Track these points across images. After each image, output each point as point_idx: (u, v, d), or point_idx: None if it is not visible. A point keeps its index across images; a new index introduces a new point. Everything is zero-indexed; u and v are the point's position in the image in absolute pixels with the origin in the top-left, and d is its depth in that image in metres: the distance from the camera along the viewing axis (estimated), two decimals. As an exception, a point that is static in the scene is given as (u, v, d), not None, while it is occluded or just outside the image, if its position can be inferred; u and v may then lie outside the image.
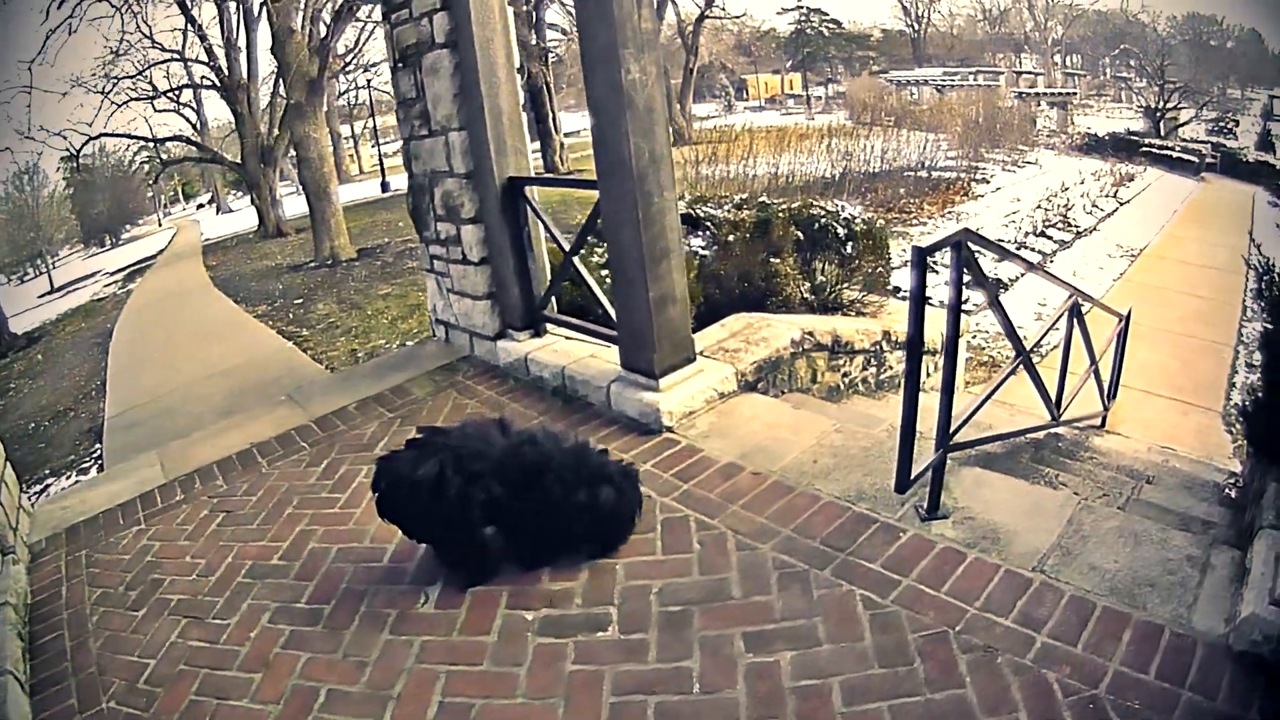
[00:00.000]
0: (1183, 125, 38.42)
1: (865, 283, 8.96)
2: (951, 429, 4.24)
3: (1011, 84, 41.28)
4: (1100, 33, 43.97)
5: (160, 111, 41.66)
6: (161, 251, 49.91)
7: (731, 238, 8.39)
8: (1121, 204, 22.70)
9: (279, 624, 4.46)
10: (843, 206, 9.15)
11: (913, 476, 4.17)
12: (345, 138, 64.06)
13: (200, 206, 75.78)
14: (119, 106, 33.23)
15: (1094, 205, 21.29)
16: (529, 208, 6.72)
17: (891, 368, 7.97)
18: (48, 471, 11.74)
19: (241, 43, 31.66)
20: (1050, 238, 18.06)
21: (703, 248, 8.41)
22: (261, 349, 14.11)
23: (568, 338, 7.01)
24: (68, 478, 11.08)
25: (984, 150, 27.38)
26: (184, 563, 5.40)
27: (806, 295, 8.38)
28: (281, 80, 24.19)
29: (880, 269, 9.16)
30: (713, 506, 4.67)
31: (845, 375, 7.47)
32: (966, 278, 4.14)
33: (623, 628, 3.90)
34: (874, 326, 7.92)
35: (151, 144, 37.26)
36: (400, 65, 7.25)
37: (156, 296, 27.97)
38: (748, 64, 62.09)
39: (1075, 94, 41.11)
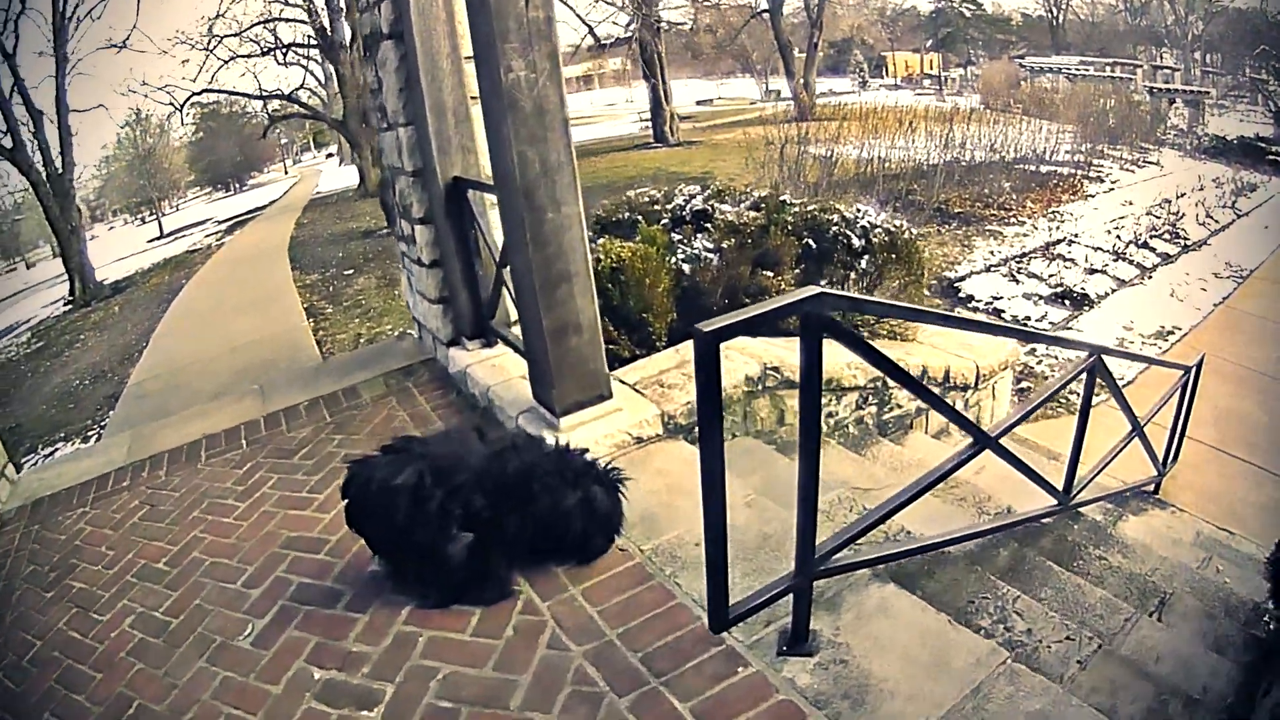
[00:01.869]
0: None
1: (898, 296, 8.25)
2: (834, 542, 3.40)
3: (1148, 78, 39.19)
4: (1238, 31, 41.49)
5: (270, 68, 42.64)
6: (274, 202, 51.51)
7: (726, 244, 7.79)
8: (1239, 216, 21.13)
9: (135, 630, 4.65)
10: (864, 212, 8.35)
11: (733, 615, 3.30)
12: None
13: (330, 156, 77.40)
14: (224, 63, 33.91)
15: (1208, 215, 19.82)
16: (473, 211, 6.32)
17: (899, 406, 7.01)
18: (62, 435, 12.02)
19: (341, 2, 31.79)
20: (1153, 249, 16.72)
21: (709, 250, 7.82)
22: (280, 326, 14.23)
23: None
24: (71, 445, 11.24)
25: (1105, 146, 25.76)
26: (96, 552, 5.66)
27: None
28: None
29: (910, 284, 8.37)
30: (554, 586, 4.15)
31: (830, 416, 6.52)
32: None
33: (386, 713, 3.60)
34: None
35: (256, 99, 38.00)
36: (365, 55, 6.99)
37: (235, 255, 28.69)
38: (888, 40, 60.88)
39: (1210, 93, 38.61)
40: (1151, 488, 7.75)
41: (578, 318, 5.03)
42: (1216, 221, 19.88)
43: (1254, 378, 11.79)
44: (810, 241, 8.02)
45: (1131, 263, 15.71)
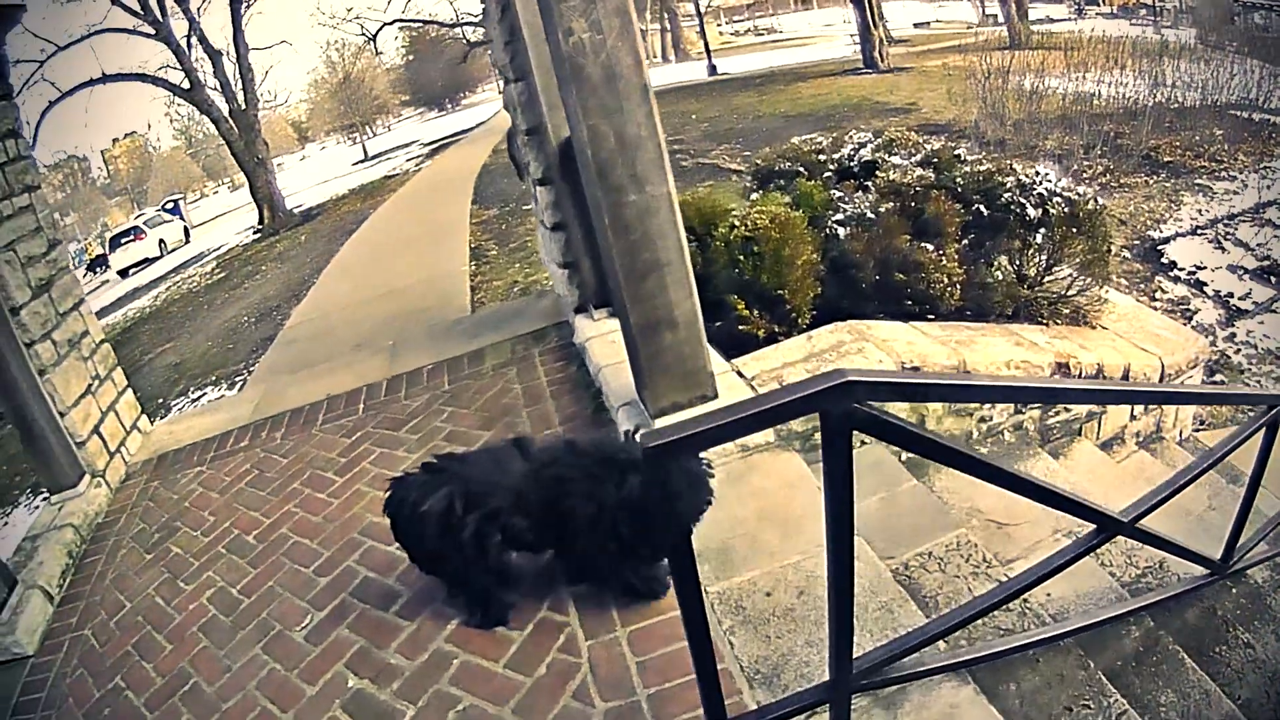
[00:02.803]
0: None
1: (1079, 274, 7.33)
2: (885, 653, 2.79)
3: None
4: None
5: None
6: (481, 124, 52.20)
7: (885, 207, 6.88)
8: None
9: (211, 605, 4.78)
10: (1044, 177, 7.26)
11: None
12: (688, 15, 63.67)
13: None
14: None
15: None
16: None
17: (1066, 410, 6.03)
18: (213, 379, 12.25)
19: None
20: None
21: (869, 213, 6.91)
22: (439, 269, 13.90)
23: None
24: (218, 390, 11.44)
25: None
26: (198, 517, 5.80)
27: (972, 295, 6.85)
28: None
29: (1094, 261, 7.28)
30: (603, 622, 3.75)
31: (983, 421, 5.69)
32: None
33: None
34: (1041, 357, 5.91)
35: (450, 27, 38.43)
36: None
37: (425, 184, 29.00)
38: None
39: None
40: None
41: (671, 312, 4.50)
42: None
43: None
44: (981, 208, 7.03)
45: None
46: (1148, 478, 5.61)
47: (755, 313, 6.14)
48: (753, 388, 5.12)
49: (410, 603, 4.21)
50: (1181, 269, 11.55)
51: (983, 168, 7.38)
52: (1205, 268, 11.55)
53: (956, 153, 7.76)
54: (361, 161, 51.04)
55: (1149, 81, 19.09)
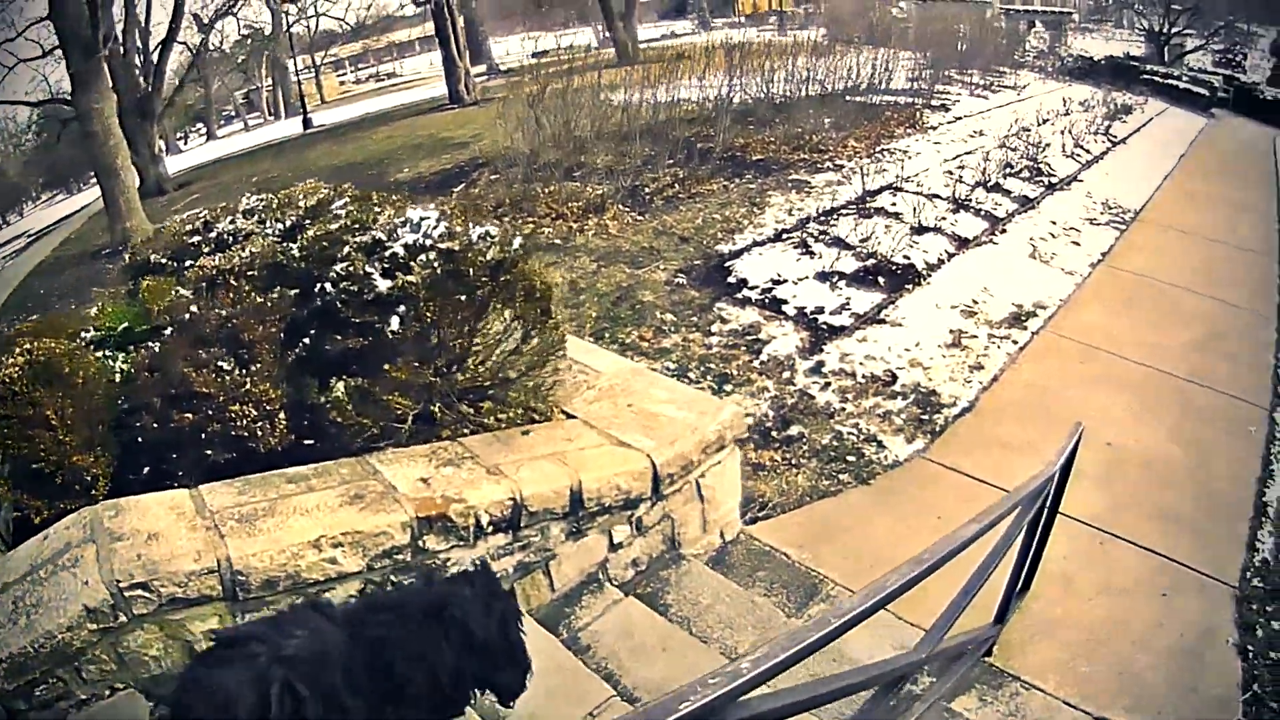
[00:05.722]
0: (1189, 53, 34.71)
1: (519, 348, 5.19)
2: None
3: (1007, 3, 38.07)
4: None
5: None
6: None
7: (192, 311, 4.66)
8: (1114, 143, 18.13)
9: None
10: (416, 223, 5.04)
11: None
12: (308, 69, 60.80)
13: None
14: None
15: (1077, 145, 16.72)
16: None
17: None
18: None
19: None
20: (1009, 192, 13.37)
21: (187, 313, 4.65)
22: None
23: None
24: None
25: (953, 72, 23.18)
26: None
27: (315, 422, 4.69)
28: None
29: (533, 325, 5.28)
30: None
31: None
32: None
33: None
34: (390, 516, 4.07)
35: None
36: None
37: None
38: None
39: (1072, 14, 37.55)
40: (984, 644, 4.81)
41: None
42: (1088, 152, 17.01)
43: (1159, 381, 8.59)
44: (328, 286, 4.81)
45: (979, 213, 12.31)
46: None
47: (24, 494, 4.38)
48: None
49: None
50: (754, 287, 9.38)
51: (333, 227, 5.16)
52: (785, 280, 9.43)
53: (337, 207, 5.49)
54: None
55: (755, 79, 18.22)
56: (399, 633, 3.16)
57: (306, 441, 4.68)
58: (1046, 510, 4.69)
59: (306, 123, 38.72)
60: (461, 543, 4.24)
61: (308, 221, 5.29)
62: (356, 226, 4.98)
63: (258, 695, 2.85)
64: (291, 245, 4.92)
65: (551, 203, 12.08)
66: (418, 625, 3.20)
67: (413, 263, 4.74)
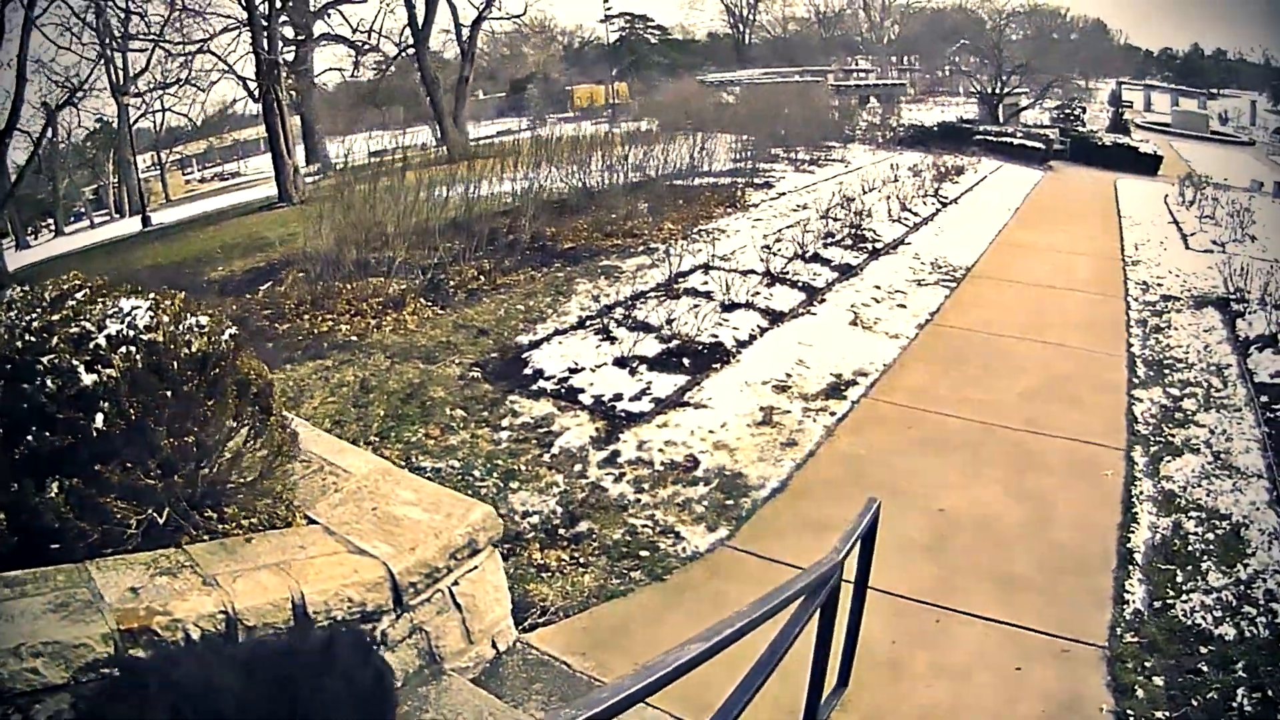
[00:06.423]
0: (1023, 110, 35.98)
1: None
2: None
3: (838, 79, 39.23)
4: (937, 30, 42.98)
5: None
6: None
7: None
8: (944, 204, 18.21)
9: None
10: (122, 311, 4.45)
11: None
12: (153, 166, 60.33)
13: None
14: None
15: (904, 209, 16.60)
16: None
17: None
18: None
19: None
20: (828, 261, 13.01)
21: None
22: None
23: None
24: None
25: (780, 150, 23.45)
26: None
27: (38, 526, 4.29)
28: None
29: (249, 421, 4.77)
30: None
31: None
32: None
33: None
34: (86, 629, 3.72)
35: None
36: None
37: None
38: (578, 74, 60.40)
39: (904, 85, 38.84)
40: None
41: None
42: (916, 215, 16.97)
43: (994, 436, 8.00)
44: (46, 381, 4.27)
45: (795, 285, 11.80)
46: None
47: None
48: None
49: None
50: (550, 377, 8.58)
51: (55, 318, 4.56)
52: (583, 369, 8.68)
53: (76, 300, 4.78)
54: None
55: (575, 169, 18.06)
56: (293, 669, 3.11)
57: (32, 546, 4.29)
58: (854, 593, 4.26)
59: (145, 221, 38.70)
60: (171, 659, 3.90)
61: (50, 316, 4.64)
62: (69, 318, 4.46)
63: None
64: (17, 340, 4.39)
65: (352, 299, 11.49)
66: (309, 665, 3.14)
67: (113, 355, 4.28)
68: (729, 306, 10.50)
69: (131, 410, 4.16)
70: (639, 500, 6.85)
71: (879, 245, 14.36)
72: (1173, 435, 7.94)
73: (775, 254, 12.64)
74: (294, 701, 3.13)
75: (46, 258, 30.83)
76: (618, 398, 8.26)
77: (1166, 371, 9.51)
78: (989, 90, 35.56)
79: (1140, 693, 4.80)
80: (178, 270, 17.19)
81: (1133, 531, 6.36)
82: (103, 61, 26.19)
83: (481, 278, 12.33)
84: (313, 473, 5.35)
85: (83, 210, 41.47)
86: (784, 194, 18.70)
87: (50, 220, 40.19)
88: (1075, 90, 36.54)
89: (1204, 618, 5.41)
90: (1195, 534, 6.33)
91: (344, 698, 3.17)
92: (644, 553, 6.25)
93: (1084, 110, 36.40)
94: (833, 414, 8.24)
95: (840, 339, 10.14)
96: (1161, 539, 6.30)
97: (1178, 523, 6.49)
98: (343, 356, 9.67)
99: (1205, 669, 4.99)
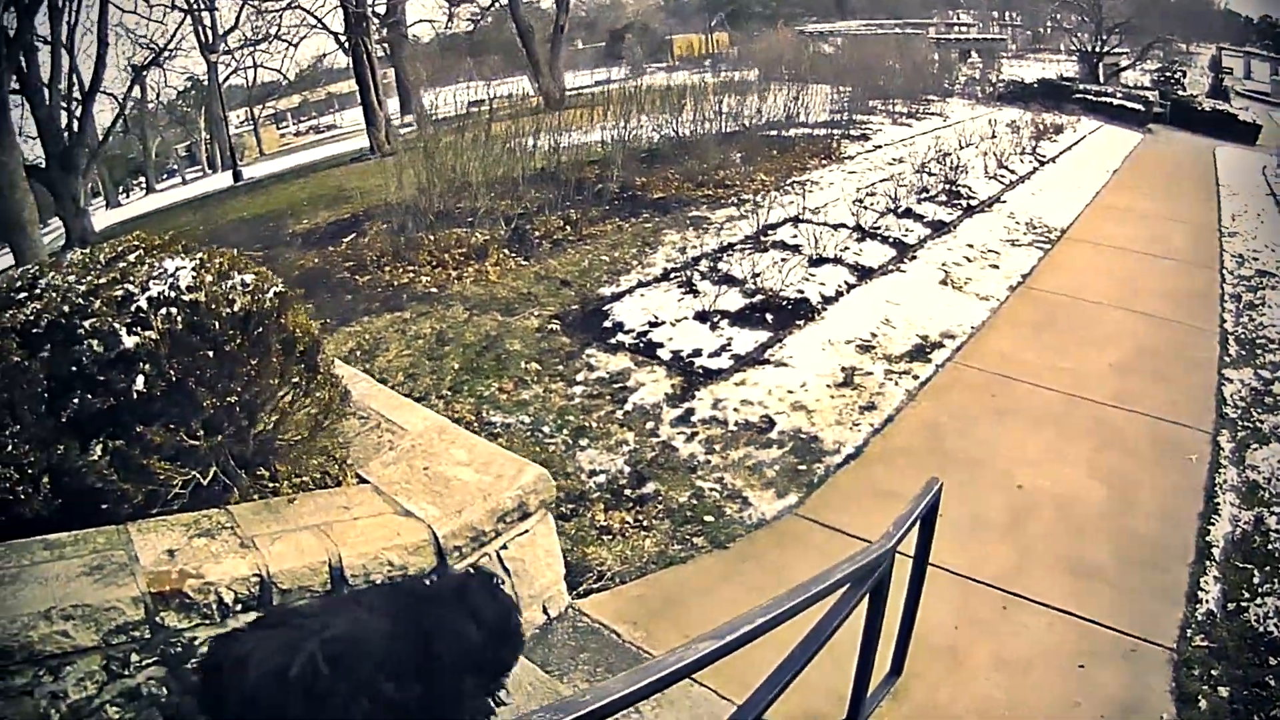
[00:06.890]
0: (1123, 70, 34.86)
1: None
2: None
3: (939, 32, 38.37)
4: None
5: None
6: None
7: None
8: (1042, 163, 17.72)
9: None
10: (165, 273, 4.46)
11: None
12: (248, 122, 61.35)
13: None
14: None
15: (1001, 166, 16.18)
16: None
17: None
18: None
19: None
20: (921, 217, 12.77)
21: None
22: None
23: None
24: None
25: (877, 103, 22.94)
26: None
27: (81, 486, 4.24)
28: None
29: (296, 378, 4.73)
30: None
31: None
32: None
33: None
34: (119, 591, 3.72)
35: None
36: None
37: None
38: (677, 24, 59.99)
39: (1005, 41, 37.54)
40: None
41: None
42: (1013, 173, 16.44)
43: (1079, 410, 7.74)
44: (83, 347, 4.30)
45: (886, 240, 11.58)
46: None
47: None
48: None
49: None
50: (629, 331, 8.53)
51: (102, 281, 4.55)
52: (662, 323, 8.55)
53: (129, 260, 4.81)
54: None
55: (669, 119, 17.75)
56: (431, 618, 3.43)
57: (81, 508, 4.32)
58: (911, 577, 4.13)
59: (236, 176, 38.83)
60: (206, 621, 3.85)
61: (99, 280, 4.69)
62: (116, 280, 4.49)
63: (284, 659, 3.10)
64: (66, 303, 4.45)
65: (434, 250, 11.40)
66: (445, 609, 3.48)
67: (154, 316, 4.26)
68: (816, 261, 10.32)
69: (171, 371, 4.20)
70: (709, 462, 6.77)
71: (974, 202, 13.99)
72: (1261, 421, 7.56)
73: (867, 208, 12.42)
74: (430, 639, 3.39)
75: (135, 215, 31.41)
76: (696, 353, 8.18)
77: (1260, 352, 9.09)
78: (1089, 49, 34.58)
79: (1204, 703, 4.56)
80: (261, 223, 17.59)
81: (1213, 524, 6.06)
82: (189, 20, 26.40)
83: (568, 228, 12.18)
84: (369, 429, 5.35)
85: (175, 167, 42.20)
86: (880, 147, 18.32)
87: (142, 178, 41.64)
88: (1175, 53, 35.56)
89: (1277, 625, 5.13)
90: (1277, 531, 6.00)
91: (476, 636, 3.44)
92: (709, 518, 6.17)
93: (1184, 74, 35.28)
94: (916, 377, 8.07)
95: (929, 299, 9.90)
96: (1241, 534, 5.99)
97: (1259, 517, 6.17)
98: (421, 308, 9.65)
99: (1273, 683, 4.71)
